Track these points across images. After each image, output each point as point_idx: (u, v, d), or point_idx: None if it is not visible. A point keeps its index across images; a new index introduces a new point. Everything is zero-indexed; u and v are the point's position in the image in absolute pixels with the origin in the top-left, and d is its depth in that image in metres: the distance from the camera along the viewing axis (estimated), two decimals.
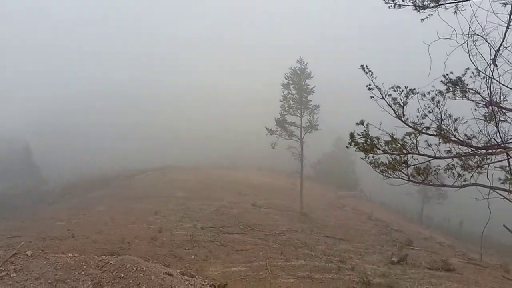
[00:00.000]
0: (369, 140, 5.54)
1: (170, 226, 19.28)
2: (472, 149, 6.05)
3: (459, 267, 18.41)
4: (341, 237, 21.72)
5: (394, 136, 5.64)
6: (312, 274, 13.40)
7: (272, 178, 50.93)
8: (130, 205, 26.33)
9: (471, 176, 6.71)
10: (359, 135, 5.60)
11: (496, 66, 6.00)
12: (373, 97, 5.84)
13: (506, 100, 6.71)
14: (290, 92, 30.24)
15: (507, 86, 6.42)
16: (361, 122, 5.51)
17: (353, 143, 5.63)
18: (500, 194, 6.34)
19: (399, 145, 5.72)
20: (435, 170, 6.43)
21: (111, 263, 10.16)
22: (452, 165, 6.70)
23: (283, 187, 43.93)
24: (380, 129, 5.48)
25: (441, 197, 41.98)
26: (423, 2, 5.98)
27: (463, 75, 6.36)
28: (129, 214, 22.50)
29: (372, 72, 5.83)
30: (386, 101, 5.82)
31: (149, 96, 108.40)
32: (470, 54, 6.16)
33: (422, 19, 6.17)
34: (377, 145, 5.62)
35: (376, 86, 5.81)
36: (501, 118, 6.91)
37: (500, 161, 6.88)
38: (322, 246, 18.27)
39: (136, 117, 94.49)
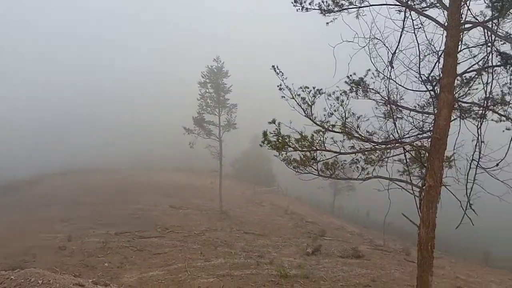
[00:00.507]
0: (280, 138, 5.74)
1: (80, 233, 18.01)
2: (373, 144, 6.59)
3: (367, 253, 19.90)
4: (259, 233, 22.18)
5: (304, 134, 5.91)
6: (231, 271, 13.48)
7: (191, 178, 50.19)
8: (35, 213, 24.04)
9: (373, 169, 7.29)
10: (271, 133, 5.77)
11: (393, 67, 6.61)
12: (284, 97, 6.06)
13: (403, 99, 7.42)
14: (207, 90, 30.08)
15: (402, 86, 7.09)
16: (273, 121, 5.68)
17: (266, 142, 5.78)
18: (398, 185, 6.97)
19: (308, 143, 6.01)
20: (341, 165, 6.87)
21: (11, 279, 9.10)
22: (357, 159, 7.24)
23: (202, 187, 43.59)
24: (290, 128, 5.70)
25: (350, 189, 45.09)
26: (328, 7, 6.35)
27: (365, 76, 6.90)
28: (33, 223, 20.55)
29: (282, 73, 6.04)
30: (296, 100, 6.07)
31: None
32: (371, 56, 6.69)
33: (327, 23, 6.56)
34: (288, 143, 5.84)
35: (287, 86, 6.02)
36: (398, 116, 7.62)
37: (398, 154, 7.58)
38: (241, 243, 18.48)
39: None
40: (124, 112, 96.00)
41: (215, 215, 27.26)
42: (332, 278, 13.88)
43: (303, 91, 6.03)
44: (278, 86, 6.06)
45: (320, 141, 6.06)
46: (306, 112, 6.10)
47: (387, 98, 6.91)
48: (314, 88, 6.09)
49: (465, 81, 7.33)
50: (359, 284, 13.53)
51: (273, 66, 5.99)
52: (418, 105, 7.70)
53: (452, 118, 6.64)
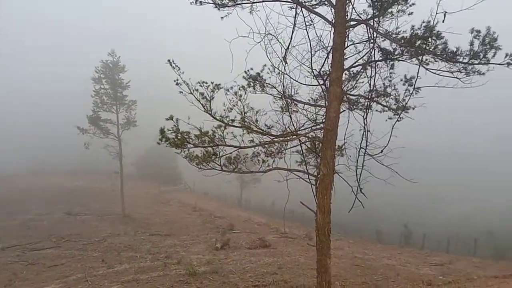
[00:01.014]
0: (179, 135, 5.59)
1: None
2: (271, 137, 6.80)
3: (274, 242, 20.66)
4: (166, 233, 21.65)
5: (203, 130, 5.85)
6: (137, 276, 12.92)
7: (89, 181, 46.73)
8: None
9: (273, 161, 7.55)
10: (170, 130, 5.59)
11: (287, 63, 6.88)
12: (182, 92, 5.91)
13: (298, 93, 7.78)
14: (102, 87, 28.19)
15: (296, 81, 7.44)
16: (171, 117, 5.50)
17: (164, 139, 5.58)
18: (296, 175, 7.32)
19: (209, 138, 5.97)
20: (244, 159, 6.96)
21: None
22: (257, 152, 7.42)
23: (102, 190, 40.85)
24: (188, 124, 5.59)
25: (256, 181, 46.40)
26: (222, 1, 6.36)
27: (261, 71, 7.08)
28: None
29: (179, 67, 5.88)
30: (194, 96, 5.97)
31: None
32: (267, 52, 6.88)
33: (222, 17, 6.57)
34: (188, 139, 5.72)
35: (184, 81, 5.88)
36: (294, 109, 7.99)
37: (295, 146, 7.95)
38: (147, 246, 17.81)
39: None
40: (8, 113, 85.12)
41: (117, 219, 25.84)
42: (241, 271, 14.09)
43: (201, 86, 5.95)
44: (175, 81, 5.89)
45: (220, 136, 6.06)
46: (205, 107, 6.04)
47: (282, 93, 7.19)
48: (212, 83, 6.05)
49: (352, 75, 7.96)
50: (267, 272, 13.95)
51: (168, 61, 5.79)
52: (312, 98, 8.15)
53: (342, 110, 7.17)
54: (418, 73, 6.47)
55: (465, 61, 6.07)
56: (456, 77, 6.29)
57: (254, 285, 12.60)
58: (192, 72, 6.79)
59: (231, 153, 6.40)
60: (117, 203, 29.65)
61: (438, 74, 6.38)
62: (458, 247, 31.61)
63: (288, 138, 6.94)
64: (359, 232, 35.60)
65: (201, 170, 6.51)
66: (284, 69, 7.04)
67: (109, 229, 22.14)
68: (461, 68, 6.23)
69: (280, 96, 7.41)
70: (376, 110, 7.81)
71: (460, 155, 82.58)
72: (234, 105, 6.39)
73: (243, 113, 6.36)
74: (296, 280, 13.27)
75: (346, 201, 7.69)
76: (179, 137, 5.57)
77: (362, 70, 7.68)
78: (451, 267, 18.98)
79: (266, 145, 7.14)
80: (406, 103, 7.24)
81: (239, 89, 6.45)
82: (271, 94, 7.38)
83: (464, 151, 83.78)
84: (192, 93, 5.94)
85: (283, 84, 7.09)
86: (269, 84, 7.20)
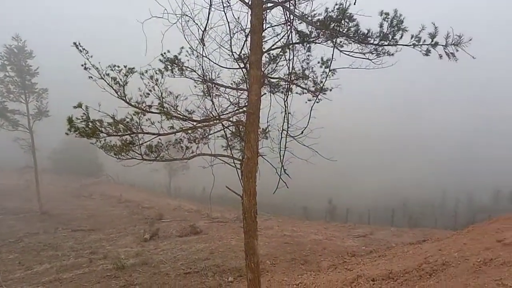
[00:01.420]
0: (90, 124, 5.16)
1: None
2: (193, 123, 6.60)
3: (205, 228, 20.65)
4: (90, 228, 20.58)
5: (116, 117, 5.47)
6: (60, 275, 12.16)
7: None
8: None
9: (197, 147, 7.37)
10: (79, 119, 5.13)
11: (204, 45, 6.67)
12: (92, 77, 5.45)
13: (219, 76, 7.62)
14: (7, 74, 25.48)
15: (217, 64, 7.26)
16: (79, 105, 5.03)
17: (72, 129, 5.12)
18: (222, 160, 7.22)
19: (124, 126, 5.61)
20: (166, 146, 6.69)
21: None
22: (180, 139, 7.18)
23: (15, 187, 37.47)
24: (100, 111, 5.18)
25: (185, 168, 45.73)
26: None
27: (179, 53, 6.78)
28: None
29: (87, 51, 5.39)
30: (105, 81, 5.54)
31: None
32: (184, 33, 6.59)
33: None
34: (100, 128, 5.31)
35: (93, 65, 5.42)
36: (216, 93, 7.83)
37: (219, 130, 7.84)
38: (69, 243, 16.80)
39: None
40: None
41: (34, 217, 23.96)
42: (171, 260, 13.95)
43: (112, 70, 5.52)
44: (82, 65, 5.39)
45: (137, 124, 5.73)
46: (118, 93, 5.64)
47: (203, 76, 6.99)
48: (125, 66, 5.65)
49: (272, 58, 7.96)
50: (199, 259, 13.96)
51: (74, 43, 5.29)
52: (234, 82, 8.05)
53: (263, 93, 7.17)
54: (333, 55, 6.63)
55: (376, 42, 6.35)
56: (368, 59, 6.57)
57: (186, 273, 12.55)
58: (106, 56, 6.33)
59: (150, 140, 6.09)
60: (34, 200, 27.42)
61: (351, 56, 6.61)
62: (378, 219, 34.36)
63: (211, 123, 6.80)
64: (287, 211, 37.02)
65: (120, 160, 6.13)
66: (203, 51, 6.82)
67: (25, 228, 20.48)
68: (372, 50, 6.51)
69: (201, 80, 7.20)
70: (296, 93, 7.94)
71: (375, 136, 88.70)
72: (150, 90, 6.06)
73: (161, 98, 6.06)
74: (228, 263, 13.43)
75: (273, 182, 7.82)
76: (90, 126, 5.14)
77: (281, 53, 7.72)
78: (372, 237, 20.50)
79: (189, 131, 6.93)
80: (324, 85, 7.45)
81: (155, 72, 6.12)
82: (191, 78, 7.13)
83: (378, 132, 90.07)
84: (103, 78, 5.50)
85: (202, 67, 6.89)
86: (188, 67, 6.94)
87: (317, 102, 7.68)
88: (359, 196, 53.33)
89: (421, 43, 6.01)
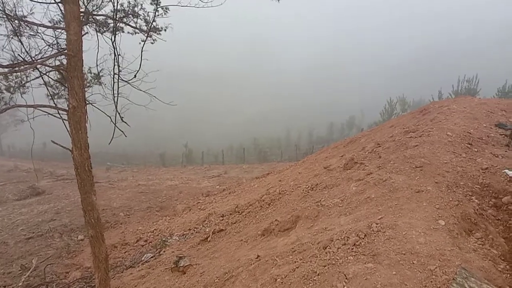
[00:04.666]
0: None
1: None
2: None
3: (49, 187, 18.84)
4: None
5: None
6: None
7: None
8: None
9: (10, 98, 6.31)
10: None
11: None
12: None
13: (33, 13, 6.43)
14: None
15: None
16: None
17: None
18: (44, 111, 6.29)
19: None
20: None
21: None
22: None
23: None
24: None
25: (18, 123, 39.72)
26: None
27: None
28: None
29: None
30: None
31: None
32: None
33: None
34: None
35: None
36: (30, 33, 6.62)
37: (38, 77, 6.79)
38: None
39: None
40: None
41: None
42: (9, 226, 12.72)
43: None
44: None
45: None
46: None
47: (4, 12, 5.79)
48: None
49: None
50: (43, 221, 12.99)
51: None
52: (54, 19, 6.95)
53: (86, 32, 6.40)
54: None
55: None
56: None
57: (28, 238, 11.56)
58: None
59: None
60: None
61: None
62: (233, 158, 36.34)
63: (21, 68, 5.76)
64: (144, 160, 36.13)
65: None
66: None
67: None
68: None
69: (5, 17, 5.95)
70: (128, 32, 7.31)
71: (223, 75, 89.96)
72: None
73: None
74: (77, 221, 12.78)
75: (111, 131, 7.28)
76: None
77: None
78: (226, 176, 21.71)
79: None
80: (156, 24, 7.01)
81: None
82: None
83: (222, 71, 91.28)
84: None
85: (14, 2, 5.68)
86: None
87: (152, 43, 7.25)
88: (213, 136, 55.12)
89: None
